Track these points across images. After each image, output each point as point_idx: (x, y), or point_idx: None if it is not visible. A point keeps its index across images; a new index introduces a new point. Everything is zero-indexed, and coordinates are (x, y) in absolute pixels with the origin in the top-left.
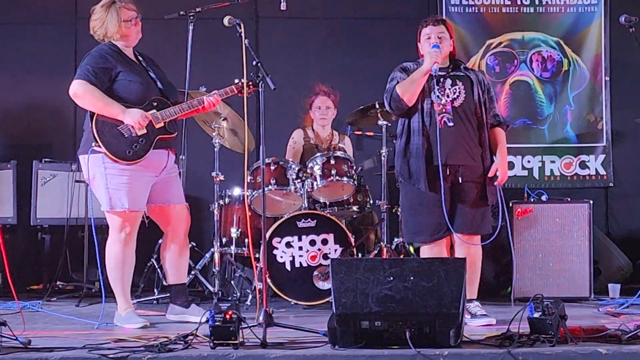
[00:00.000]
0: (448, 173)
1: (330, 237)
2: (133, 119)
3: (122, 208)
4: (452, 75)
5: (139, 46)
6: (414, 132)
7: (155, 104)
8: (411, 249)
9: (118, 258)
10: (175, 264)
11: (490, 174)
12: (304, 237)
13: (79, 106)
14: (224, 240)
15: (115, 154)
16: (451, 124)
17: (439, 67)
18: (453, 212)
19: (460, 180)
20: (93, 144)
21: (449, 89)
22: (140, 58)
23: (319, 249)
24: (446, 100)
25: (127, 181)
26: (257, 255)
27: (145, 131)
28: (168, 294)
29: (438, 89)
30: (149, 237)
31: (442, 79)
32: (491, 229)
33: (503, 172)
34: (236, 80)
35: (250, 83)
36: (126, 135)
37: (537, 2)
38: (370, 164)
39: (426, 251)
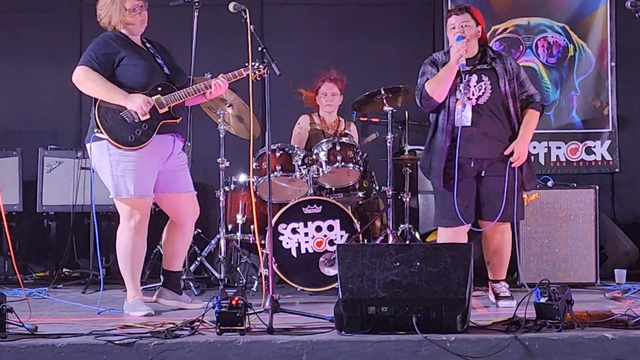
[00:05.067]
0: (472, 165)
1: (336, 223)
2: (135, 104)
3: (127, 195)
4: (477, 70)
5: (145, 33)
6: (439, 128)
7: (159, 88)
8: (417, 235)
9: (128, 246)
10: (177, 252)
11: (506, 152)
12: (309, 223)
13: (84, 93)
14: (229, 226)
15: (117, 140)
16: (468, 123)
17: (465, 61)
18: (481, 201)
19: (483, 174)
20: (95, 131)
21: (474, 86)
22: (148, 45)
23: (325, 235)
24: (469, 99)
25: (133, 167)
26: (262, 242)
27: (148, 116)
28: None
29: (463, 87)
30: (155, 224)
31: (467, 75)
32: (523, 215)
33: (517, 151)
34: (246, 64)
35: (261, 66)
36: (129, 121)
37: None
38: (373, 136)
39: (442, 234)
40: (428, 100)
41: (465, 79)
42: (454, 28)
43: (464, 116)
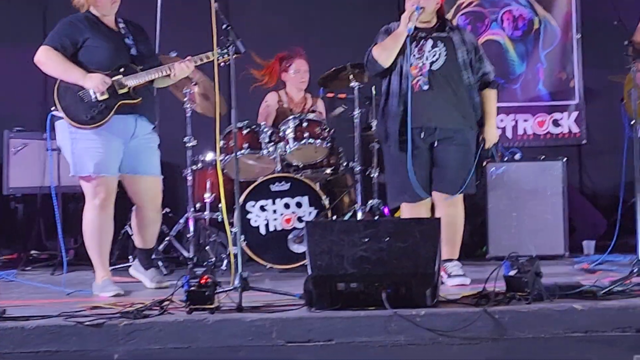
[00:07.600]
0: (423, 135)
1: (304, 200)
2: (92, 83)
3: (87, 172)
4: (433, 37)
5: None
6: (392, 93)
7: (122, 69)
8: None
9: (94, 225)
10: (142, 233)
11: (480, 141)
12: (278, 200)
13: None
14: (197, 205)
15: (73, 118)
16: (426, 87)
17: (412, 25)
18: (434, 172)
19: (436, 143)
20: (53, 109)
21: (429, 51)
22: (122, 25)
23: (294, 212)
24: (423, 64)
25: (92, 145)
26: (231, 220)
27: (107, 96)
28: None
29: (417, 51)
30: (123, 203)
31: (422, 41)
32: (475, 189)
33: (489, 139)
34: (216, 51)
35: (225, 52)
36: (86, 100)
37: None
38: (340, 109)
39: (406, 211)
40: (373, 64)
41: (420, 43)
42: None
43: (419, 80)
